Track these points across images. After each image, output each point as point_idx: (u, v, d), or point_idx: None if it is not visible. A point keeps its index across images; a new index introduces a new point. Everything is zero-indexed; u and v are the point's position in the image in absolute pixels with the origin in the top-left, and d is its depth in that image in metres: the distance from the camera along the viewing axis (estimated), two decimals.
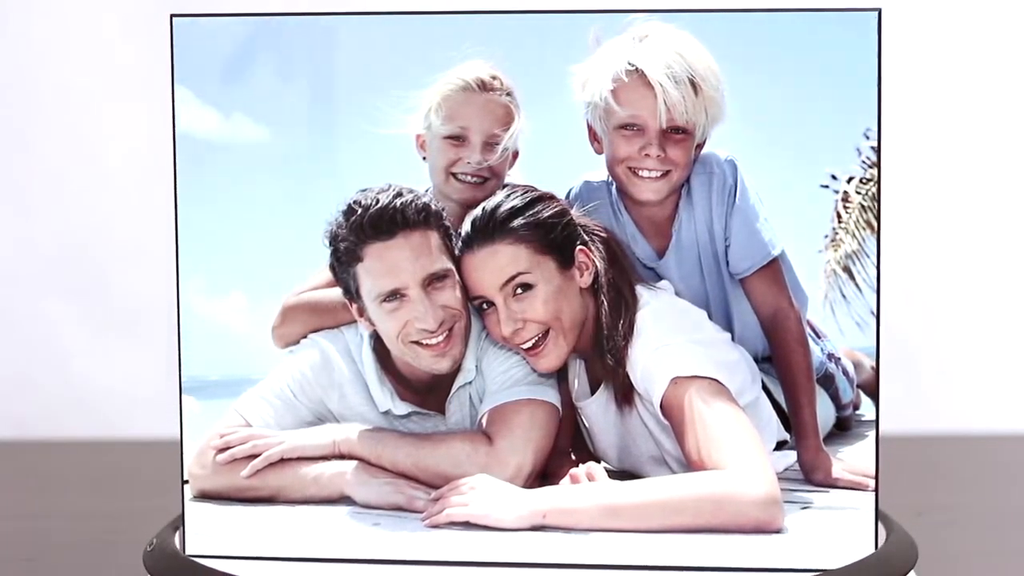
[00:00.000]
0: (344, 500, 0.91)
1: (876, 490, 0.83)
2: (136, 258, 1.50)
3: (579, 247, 0.88)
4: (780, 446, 0.89)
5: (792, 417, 0.88)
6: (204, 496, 0.93)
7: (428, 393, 0.92)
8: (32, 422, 1.49)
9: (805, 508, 0.85)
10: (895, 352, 1.50)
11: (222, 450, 0.92)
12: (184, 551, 0.90)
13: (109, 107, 1.49)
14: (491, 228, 0.88)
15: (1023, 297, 1.50)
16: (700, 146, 0.86)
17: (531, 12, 0.84)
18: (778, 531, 0.83)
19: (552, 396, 0.90)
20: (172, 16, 0.90)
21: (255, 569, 0.87)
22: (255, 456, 0.91)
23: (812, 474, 0.88)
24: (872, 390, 0.84)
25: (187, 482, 0.93)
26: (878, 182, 0.77)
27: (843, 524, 0.83)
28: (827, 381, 0.91)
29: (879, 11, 0.75)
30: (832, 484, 0.87)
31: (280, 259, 0.91)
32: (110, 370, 1.50)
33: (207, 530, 0.90)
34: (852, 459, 0.87)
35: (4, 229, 1.49)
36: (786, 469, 0.87)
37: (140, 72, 1.48)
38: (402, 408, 0.92)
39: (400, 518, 0.90)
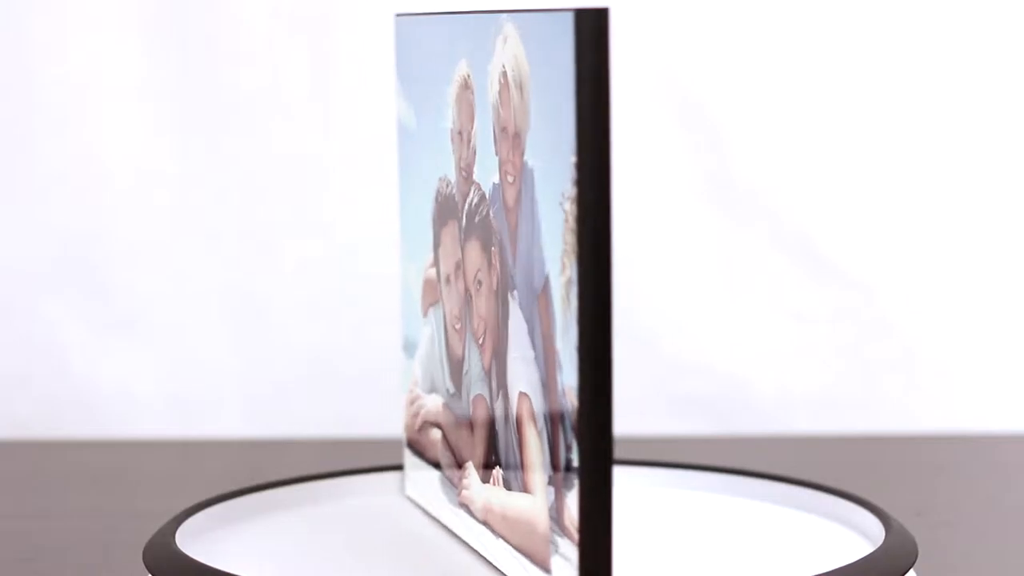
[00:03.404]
0: None
1: (580, 546, 0.75)
2: (136, 258, 1.50)
3: (492, 248, 0.89)
4: None
5: None
6: (409, 445, 1.00)
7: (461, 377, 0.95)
8: (32, 422, 1.49)
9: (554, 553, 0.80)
10: (895, 352, 1.50)
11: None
12: (404, 492, 1.00)
13: (110, 106, 1.49)
14: (469, 222, 0.89)
15: (1023, 297, 1.50)
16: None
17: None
18: (548, 571, 0.79)
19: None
20: (396, 15, 0.96)
21: (258, 569, 0.87)
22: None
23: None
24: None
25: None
26: (579, 203, 0.73)
27: None
28: None
29: (575, 12, 0.72)
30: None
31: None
32: (110, 370, 1.50)
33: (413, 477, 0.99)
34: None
35: (4, 228, 1.49)
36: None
37: (141, 71, 1.48)
38: (452, 387, 0.95)
39: None
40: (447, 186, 0.92)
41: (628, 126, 1.48)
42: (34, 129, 1.49)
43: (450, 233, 0.92)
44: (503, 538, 0.84)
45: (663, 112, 1.48)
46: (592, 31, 0.71)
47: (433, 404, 0.97)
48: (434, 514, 0.95)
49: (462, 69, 0.89)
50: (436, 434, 0.96)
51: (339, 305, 1.50)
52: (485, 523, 0.87)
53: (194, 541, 0.92)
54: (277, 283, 1.50)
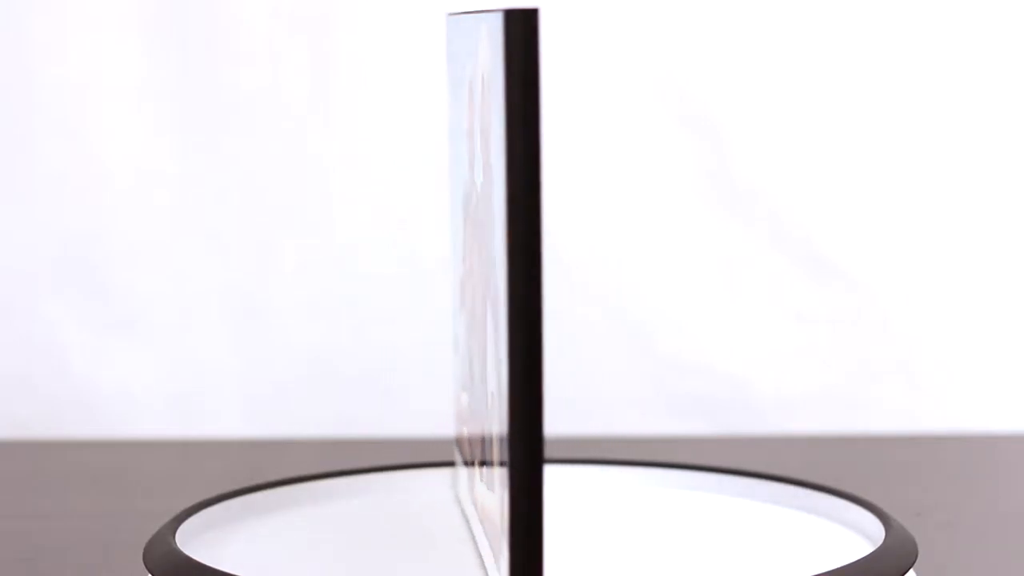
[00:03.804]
0: None
1: (510, 546, 0.80)
2: (136, 258, 1.50)
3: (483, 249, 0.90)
4: None
5: None
6: (456, 442, 1.00)
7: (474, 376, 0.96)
8: (32, 422, 1.49)
9: None
10: (895, 352, 1.50)
11: None
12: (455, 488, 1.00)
13: (110, 106, 1.49)
14: (474, 222, 0.90)
15: (1023, 297, 1.50)
16: None
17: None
18: (499, 569, 0.81)
19: None
20: (448, 15, 0.95)
21: (258, 569, 0.87)
22: None
23: None
24: None
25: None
26: (509, 206, 0.72)
27: None
28: None
29: (504, 12, 0.72)
30: None
31: None
32: (110, 370, 1.50)
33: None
34: None
35: (4, 228, 1.49)
36: None
37: (141, 71, 1.48)
38: (470, 386, 0.95)
39: None
40: (466, 186, 0.93)
41: (628, 126, 1.48)
42: (34, 129, 1.49)
43: (469, 232, 0.93)
44: (487, 535, 0.85)
45: (663, 112, 1.48)
46: (521, 31, 0.71)
47: (464, 402, 0.97)
48: (465, 511, 0.96)
49: (468, 70, 0.89)
50: (466, 431, 0.96)
51: (339, 305, 1.50)
52: (481, 521, 0.87)
53: (194, 541, 0.92)
54: (277, 283, 1.50)
